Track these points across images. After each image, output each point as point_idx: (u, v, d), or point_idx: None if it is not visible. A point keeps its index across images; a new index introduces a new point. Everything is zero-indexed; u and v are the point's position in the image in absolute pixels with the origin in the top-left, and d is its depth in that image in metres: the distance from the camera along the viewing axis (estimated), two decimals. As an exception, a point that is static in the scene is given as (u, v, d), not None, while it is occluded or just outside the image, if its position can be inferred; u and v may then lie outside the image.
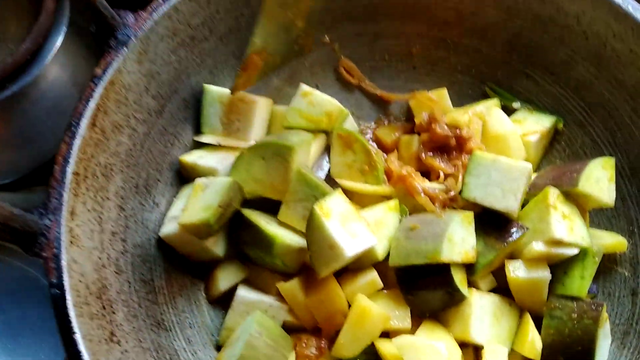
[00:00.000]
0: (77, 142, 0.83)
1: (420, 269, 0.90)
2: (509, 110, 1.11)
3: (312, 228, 0.88)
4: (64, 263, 0.76)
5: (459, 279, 0.91)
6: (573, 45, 1.04)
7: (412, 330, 0.93)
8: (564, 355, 0.90)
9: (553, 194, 0.94)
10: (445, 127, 1.03)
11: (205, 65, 1.04)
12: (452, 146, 1.03)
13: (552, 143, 1.12)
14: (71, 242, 0.79)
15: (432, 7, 1.09)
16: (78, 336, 0.73)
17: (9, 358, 1.22)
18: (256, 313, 0.90)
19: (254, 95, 1.05)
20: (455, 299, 0.91)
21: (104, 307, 0.80)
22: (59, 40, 1.12)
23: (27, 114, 1.18)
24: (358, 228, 0.90)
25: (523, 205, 0.96)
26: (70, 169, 0.82)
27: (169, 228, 0.95)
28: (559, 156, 1.11)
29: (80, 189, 0.83)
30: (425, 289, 0.92)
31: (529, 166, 0.93)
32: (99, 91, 0.87)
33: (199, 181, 0.95)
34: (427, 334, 0.91)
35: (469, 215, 0.93)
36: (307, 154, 1.00)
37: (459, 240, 0.90)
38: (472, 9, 1.08)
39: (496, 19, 1.08)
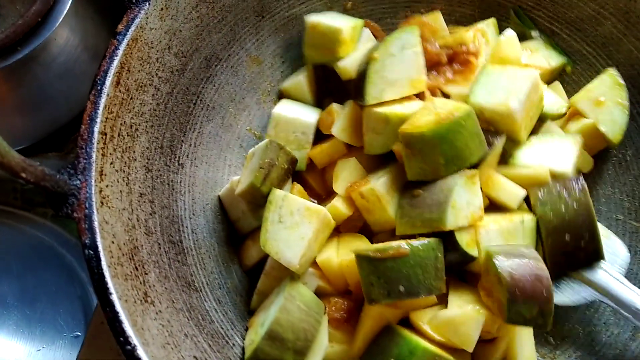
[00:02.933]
0: (103, 101, 0.81)
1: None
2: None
3: None
4: (95, 224, 0.75)
5: (466, 241, 0.87)
6: (601, 0, 1.02)
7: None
8: (570, 233, 0.89)
9: None
10: (437, 45, 1.00)
11: (225, 22, 1.01)
12: (443, 64, 1.00)
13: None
14: (102, 202, 0.77)
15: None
16: (114, 297, 0.72)
17: (27, 324, 1.22)
18: (289, 278, 0.90)
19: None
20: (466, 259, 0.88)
21: (136, 268, 0.79)
22: (68, 2, 1.10)
23: (39, 78, 1.17)
24: None
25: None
26: (97, 129, 0.80)
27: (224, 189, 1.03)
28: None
29: (107, 149, 0.81)
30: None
31: (536, 73, 0.92)
32: (122, 48, 0.84)
33: (250, 151, 1.01)
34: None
35: (473, 175, 0.88)
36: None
37: (463, 205, 0.86)
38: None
39: (523, -27, 1.05)
